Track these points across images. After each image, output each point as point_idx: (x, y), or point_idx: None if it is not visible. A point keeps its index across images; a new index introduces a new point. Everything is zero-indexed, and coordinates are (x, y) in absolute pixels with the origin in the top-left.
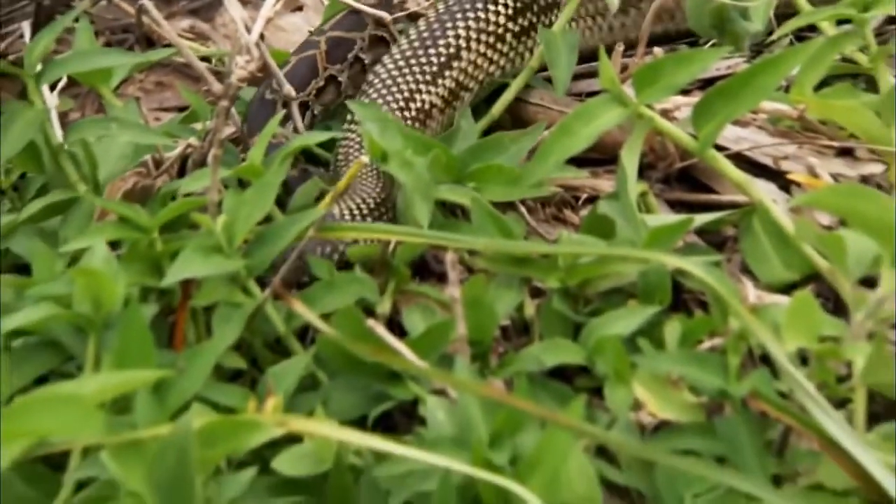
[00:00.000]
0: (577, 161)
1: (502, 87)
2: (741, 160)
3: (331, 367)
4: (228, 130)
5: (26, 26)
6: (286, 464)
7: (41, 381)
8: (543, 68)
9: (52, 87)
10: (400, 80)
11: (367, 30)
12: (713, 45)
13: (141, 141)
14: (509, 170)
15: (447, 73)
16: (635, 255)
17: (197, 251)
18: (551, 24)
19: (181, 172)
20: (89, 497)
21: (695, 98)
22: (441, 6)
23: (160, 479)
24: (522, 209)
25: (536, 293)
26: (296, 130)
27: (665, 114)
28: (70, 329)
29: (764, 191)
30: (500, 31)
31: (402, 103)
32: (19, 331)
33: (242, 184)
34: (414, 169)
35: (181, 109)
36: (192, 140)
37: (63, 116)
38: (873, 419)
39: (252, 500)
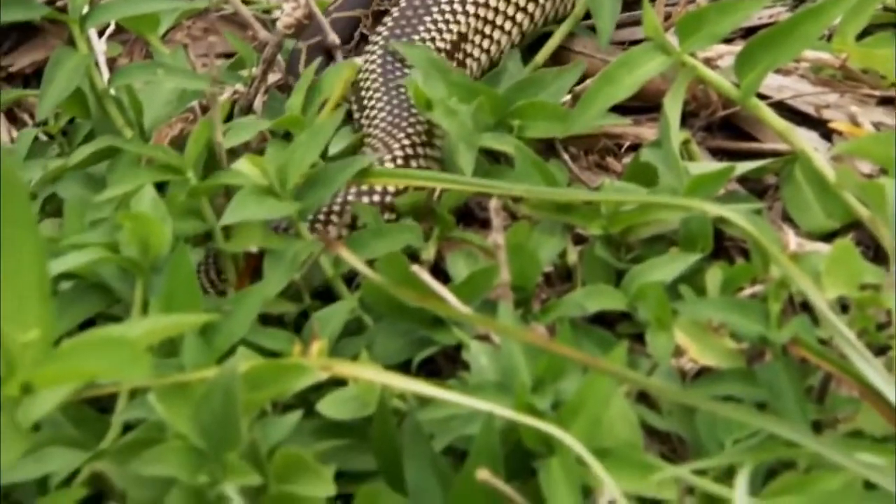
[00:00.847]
0: (620, 109)
1: (546, 36)
2: (783, 109)
3: (375, 312)
4: (274, 78)
5: None
6: (330, 407)
7: (88, 323)
8: (587, 16)
9: (101, 34)
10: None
11: None
12: None
13: (188, 86)
14: (553, 106)
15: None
16: (678, 203)
17: (251, 194)
18: None
19: (227, 119)
20: (136, 438)
21: (737, 47)
22: None
23: (206, 421)
24: (565, 156)
25: (579, 240)
26: None
27: (708, 62)
28: (117, 272)
29: (805, 139)
30: None
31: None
32: (66, 274)
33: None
34: (458, 117)
35: (228, 56)
36: (239, 86)
37: (111, 62)
38: None
39: (297, 442)
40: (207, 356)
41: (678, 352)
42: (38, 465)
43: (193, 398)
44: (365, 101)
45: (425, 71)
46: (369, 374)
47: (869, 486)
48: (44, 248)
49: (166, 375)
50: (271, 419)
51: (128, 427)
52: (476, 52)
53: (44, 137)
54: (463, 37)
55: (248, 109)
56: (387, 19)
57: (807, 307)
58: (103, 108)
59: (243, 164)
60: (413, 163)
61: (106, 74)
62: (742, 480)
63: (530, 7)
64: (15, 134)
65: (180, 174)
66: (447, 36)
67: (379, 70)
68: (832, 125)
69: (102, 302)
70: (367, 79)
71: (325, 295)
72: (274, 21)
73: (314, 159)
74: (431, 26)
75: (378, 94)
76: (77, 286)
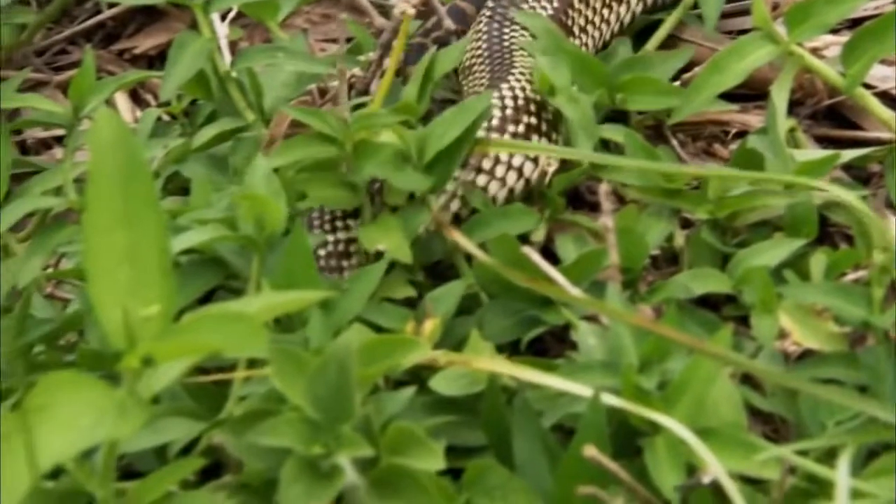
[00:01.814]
0: (728, 97)
1: (657, 24)
2: (887, 98)
3: (487, 292)
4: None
5: None
6: (442, 384)
7: (207, 297)
8: (696, 5)
9: (223, 18)
10: None
11: None
12: None
13: (307, 70)
14: (656, 81)
15: None
16: (790, 180)
17: (389, 160)
18: None
19: None
20: (253, 410)
21: (844, 37)
22: None
23: (321, 394)
24: (674, 142)
25: (686, 224)
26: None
27: (815, 52)
28: (235, 248)
29: None
30: None
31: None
32: (187, 250)
33: None
34: (580, 105)
35: (346, 42)
36: (356, 70)
37: (233, 46)
38: None
39: (409, 417)
40: (324, 332)
41: (782, 334)
42: (158, 435)
43: (309, 372)
44: (469, 73)
45: (552, 57)
46: (482, 363)
47: None
48: (165, 226)
49: (282, 350)
50: (384, 394)
51: (244, 400)
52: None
53: (166, 118)
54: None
55: (364, 92)
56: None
57: None
58: (225, 90)
59: (387, 135)
60: (510, 127)
61: (227, 57)
62: (844, 461)
63: None
64: (138, 114)
65: (339, 146)
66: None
67: (484, 40)
68: None
69: (220, 276)
70: (472, 55)
71: (439, 273)
72: (391, 8)
73: (456, 135)
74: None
75: (481, 66)
76: (196, 261)
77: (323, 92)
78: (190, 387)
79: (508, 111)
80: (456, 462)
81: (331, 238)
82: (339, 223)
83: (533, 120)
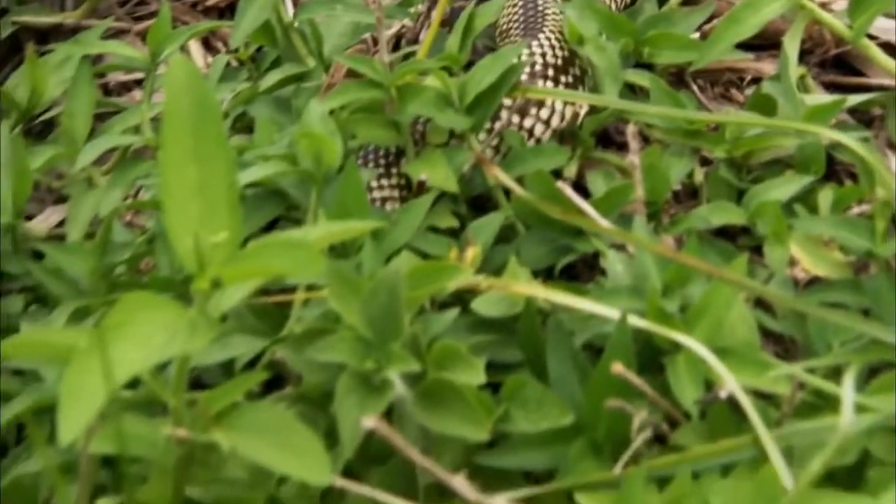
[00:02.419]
0: (744, 46)
1: None
2: (889, 48)
3: (523, 223)
4: None
5: None
6: (483, 305)
7: (270, 225)
8: None
9: None
10: None
11: None
12: None
13: (362, 20)
14: (680, 36)
15: None
16: (797, 126)
17: (431, 101)
18: None
19: (395, 50)
20: (311, 329)
21: None
22: None
23: (373, 314)
24: (694, 87)
25: (705, 162)
26: None
27: (823, 6)
28: (295, 182)
29: None
30: None
31: None
32: (252, 183)
33: None
34: (607, 53)
35: None
36: (406, 21)
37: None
38: None
39: (453, 336)
40: (375, 258)
41: (792, 263)
42: (225, 350)
43: (362, 295)
44: (506, 36)
45: (580, 11)
46: (519, 287)
47: None
48: (233, 161)
49: (338, 274)
50: (430, 315)
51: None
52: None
53: (235, 64)
54: None
55: (413, 42)
56: None
57: None
58: (289, 39)
59: (431, 80)
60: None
61: (290, 9)
62: (849, 378)
63: None
64: (210, 60)
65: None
66: None
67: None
68: None
69: (282, 208)
70: (508, 19)
71: (479, 206)
72: None
73: (492, 80)
74: None
75: (516, 30)
76: (260, 194)
77: (376, 41)
78: (254, 307)
79: (538, 66)
80: (495, 377)
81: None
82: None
83: (561, 74)
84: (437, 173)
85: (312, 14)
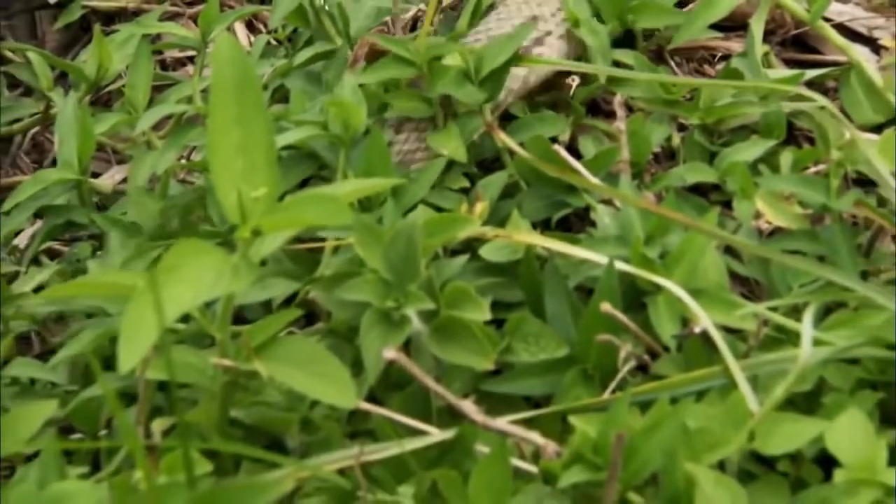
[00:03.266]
0: (715, 27)
1: None
2: (842, 29)
3: (525, 181)
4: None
5: None
6: (489, 252)
7: (302, 184)
8: None
9: None
10: None
11: None
12: None
13: (383, 4)
14: (661, 5)
15: None
16: (765, 86)
17: (454, 79)
18: None
19: (412, 31)
20: (340, 272)
21: None
22: None
23: (393, 259)
24: (672, 64)
25: (681, 128)
26: None
27: None
28: (325, 145)
29: (859, 53)
30: None
31: None
32: (288, 146)
33: None
34: (599, 35)
35: None
36: (422, 6)
37: None
38: None
39: (462, 279)
40: (396, 211)
41: (757, 215)
42: (264, 291)
43: (384, 242)
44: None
45: None
46: (521, 236)
47: None
48: (271, 126)
49: (364, 224)
50: (443, 261)
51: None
52: None
53: (274, 43)
54: None
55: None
56: None
57: (858, 182)
58: (319, 20)
59: (454, 56)
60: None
61: None
62: (808, 316)
63: None
64: (252, 39)
65: (417, 67)
66: None
67: None
68: (881, 42)
69: (314, 167)
70: None
71: (487, 166)
72: None
73: (506, 58)
74: None
75: None
76: (295, 155)
77: (394, 22)
78: (289, 253)
79: None
80: (499, 314)
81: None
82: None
83: None
84: (452, 145)
85: None
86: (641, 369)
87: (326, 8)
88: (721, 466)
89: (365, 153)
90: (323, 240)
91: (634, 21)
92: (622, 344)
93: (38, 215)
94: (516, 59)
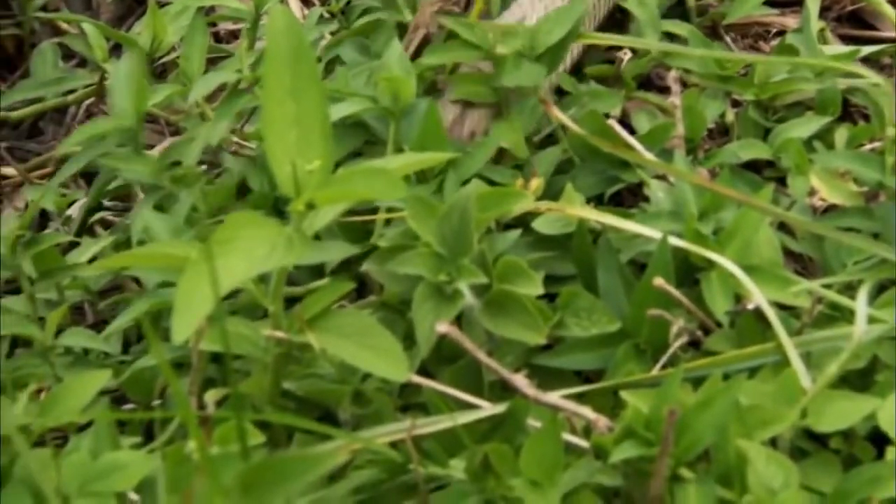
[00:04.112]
0: (770, 3)
1: None
2: None
3: (578, 156)
4: None
5: None
6: (543, 225)
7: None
8: None
9: None
10: None
11: None
12: None
13: None
14: None
15: None
16: (819, 64)
17: (516, 59)
18: None
19: (465, 9)
20: (392, 245)
21: None
22: None
23: (446, 233)
24: (727, 39)
25: (735, 104)
26: None
27: None
28: (377, 117)
29: None
30: None
31: None
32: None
33: None
34: (647, 7)
35: None
36: None
37: None
38: None
39: (515, 253)
40: (451, 185)
41: (812, 192)
42: (320, 253)
43: (438, 215)
44: None
45: None
46: (574, 210)
47: None
48: (325, 98)
49: (417, 197)
50: (497, 234)
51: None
52: None
53: (326, 15)
54: None
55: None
56: None
57: None
58: None
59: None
60: None
61: None
62: (863, 293)
63: None
64: (306, 12)
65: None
66: None
67: None
68: None
69: (364, 138)
70: None
71: (542, 141)
72: None
73: (563, 33)
74: None
75: None
76: (345, 125)
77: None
78: (343, 225)
79: None
80: (551, 288)
81: None
82: None
83: None
84: (513, 138)
85: None
86: (693, 345)
87: None
88: (773, 443)
89: (420, 126)
90: (375, 211)
91: None
92: (674, 319)
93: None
94: (574, 34)
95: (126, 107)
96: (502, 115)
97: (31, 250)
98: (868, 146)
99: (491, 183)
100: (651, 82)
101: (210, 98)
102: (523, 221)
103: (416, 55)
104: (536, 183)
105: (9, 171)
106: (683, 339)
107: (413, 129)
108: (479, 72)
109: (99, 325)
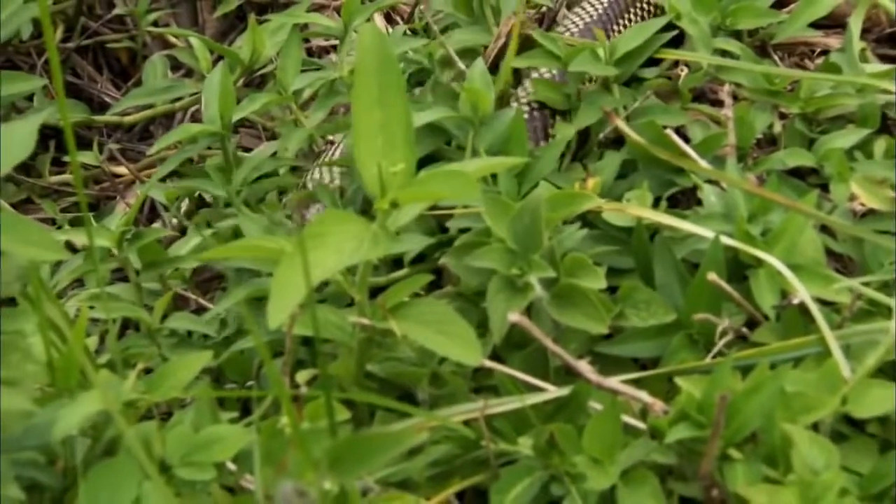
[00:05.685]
0: (815, 25)
1: None
2: None
3: (638, 162)
4: None
5: None
6: (612, 218)
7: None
8: None
9: None
10: None
11: None
12: None
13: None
14: (760, 7)
15: None
16: (861, 81)
17: (587, 57)
18: None
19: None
20: (469, 241)
21: None
22: None
23: (519, 230)
24: (775, 57)
25: (782, 116)
26: None
27: None
28: (457, 124)
29: None
30: None
31: None
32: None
33: None
34: (699, 25)
35: None
36: (548, 2)
37: None
38: None
39: (580, 249)
40: (523, 187)
41: (852, 198)
42: (400, 244)
43: (511, 214)
44: None
45: None
46: (634, 209)
47: None
48: (409, 107)
49: (493, 197)
50: (564, 231)
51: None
52: None
53: (410, 33)
54: None
55: (552, 19)
56: None
57: None
58: (482, 9)
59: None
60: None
61: None
62: None
63: None
64: (390, 30)
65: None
66: None
67: None
68: None
69: (442, 141)
70: None
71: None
72: None
73: (638, 43)
74: None
75: None
76: (426, 129)
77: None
78: (419, 222)
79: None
80: (612, 280)
81: None
82: None
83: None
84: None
85: None
86: (741, 338)
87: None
88: (815, 427)
89: (507, 131)
90: (450, 207)
91: (734, 23)
92: (719, 321)
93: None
94: (649, 46)
95: (215, 113)
96: (567, 119)
97: (137, 244)
98: None
99: (557, 186)
100: (704, 95)
101: (304, 106)
102: (586, 219)
103: (495, 62)
104: (594, 183)
105: (121, 170)
106: (728, 338)
107: (492, 135)
108: (553, 80)
109: (200, 311)
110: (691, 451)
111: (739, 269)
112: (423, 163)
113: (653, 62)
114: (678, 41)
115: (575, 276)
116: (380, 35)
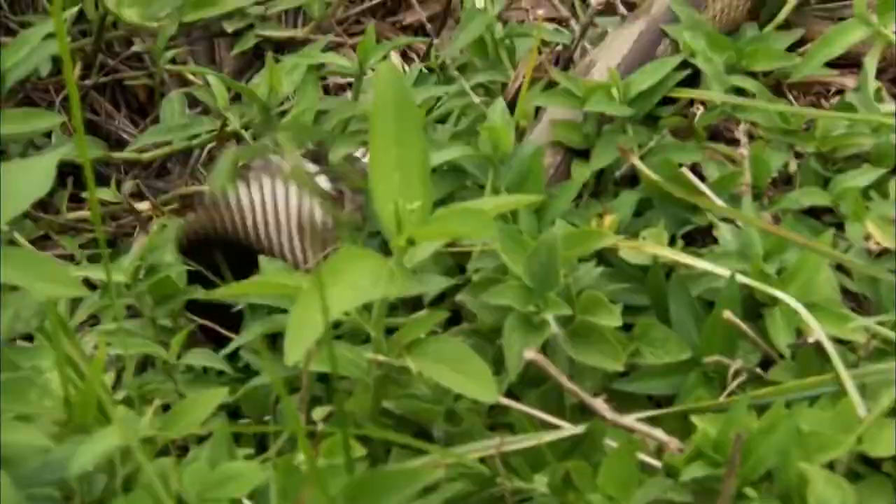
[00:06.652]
0: (830, 64)
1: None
2: None
3: (653, 200)
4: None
5: None
6: (628, 255)
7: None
8: None
9: None
10: None
11: None
12: None
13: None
14: (776, 50)
15: None
16: (876, 120)
17: (602, 97)
18: None
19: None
20: (485, 278)
21: None
22: None
23: (535, 268)
24: (790, 96)
25: (798, 155)
26: None
27: None
28: (476, 163)
29: None
30: None
31: None
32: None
33: None
34: (713, 63)
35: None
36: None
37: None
38: None
39: (596, 286)
40: (539, 225)
41: (867, 237)
42: (419, 285)
43: (527, 252)
44: None
45: (692, 30)
46: (649, 247)
47: None
48: (426, 145)
49: (509, 235)
50: (580, 269)
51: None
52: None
53: (426, 71)
54: None
55: (568, 60)
56: None
57: None
58: (497, 52)
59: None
60: None
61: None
62: None
63: None
64: (406, 69)
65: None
66: None
67: None
68: None
69: (461, 181)
70: None
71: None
72: None
73: (653, 82)
74: None
75: None
76: (445, 169)
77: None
78: (436, 259)
79: None
80: (627, 317)
81: None
82: None
83: None
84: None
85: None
86: (756, 377)
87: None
88: (831, 466)
89: (523, 170)
90: (470, 245)
91: (750, 63)
92: (732, 361)
93: None
94: (664, 85)
95: None
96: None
97: (150, 279)
98: None
99: (573, 225)
100: (720, 134)
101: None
102: (602, 256)
103: (513, 100)
104: (610, 220)
105: (141, 206)
106: (741, 378)
107: (511, 173)
108: (573, 120)
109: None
110: (707, 490)
111: (755, 307)
112: (443, 202)
113: (668, 101)
114: (694, 79)
115: (591, 314)
116: (397, 73)
